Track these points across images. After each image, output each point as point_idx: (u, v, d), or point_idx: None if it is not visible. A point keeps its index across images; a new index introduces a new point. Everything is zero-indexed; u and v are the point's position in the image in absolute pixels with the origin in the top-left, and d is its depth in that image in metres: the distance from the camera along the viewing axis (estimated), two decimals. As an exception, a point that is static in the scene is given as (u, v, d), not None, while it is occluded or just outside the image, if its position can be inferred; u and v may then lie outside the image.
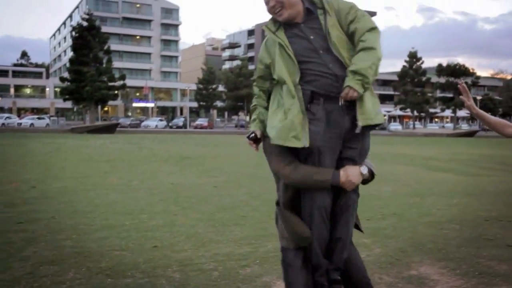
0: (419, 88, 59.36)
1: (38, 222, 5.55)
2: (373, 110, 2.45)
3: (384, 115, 75.81)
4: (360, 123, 2.39)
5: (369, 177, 2.58)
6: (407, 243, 4.97)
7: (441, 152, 20.50)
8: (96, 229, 5.27)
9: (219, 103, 69.45)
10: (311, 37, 2.44)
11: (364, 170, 2.48)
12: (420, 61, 59.18)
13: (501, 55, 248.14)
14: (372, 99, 2.48)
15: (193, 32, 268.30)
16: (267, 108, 2.63)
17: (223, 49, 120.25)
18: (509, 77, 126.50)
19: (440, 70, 58.54)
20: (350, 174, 2.42)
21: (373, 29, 2.42)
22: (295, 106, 2.40)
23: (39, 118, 49.05)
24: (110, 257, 4.26)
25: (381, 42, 2.46)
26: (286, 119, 2.41)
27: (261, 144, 2.69)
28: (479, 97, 61.36)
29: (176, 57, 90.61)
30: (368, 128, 2.48)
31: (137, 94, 77.04)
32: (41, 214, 5.98)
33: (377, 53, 2.39)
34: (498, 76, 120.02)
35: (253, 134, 2.63)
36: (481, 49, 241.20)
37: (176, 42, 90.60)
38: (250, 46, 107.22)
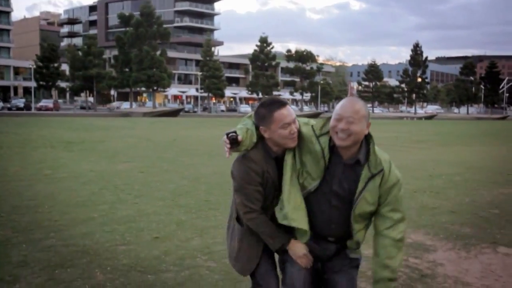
0: (269, 72, 62.43)
1: (-16, 222, 4.76)
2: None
3: (233, 98, 78.48)
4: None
5: None
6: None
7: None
8: (68, 225, 4.74)
9: (61, 83, 64.03)
10: (346, 186, 2.16)
11: None
12: (271, 46, 62.12)
13: (326, 43, 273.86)
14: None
15: (17, 2, 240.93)
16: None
17: (61, 24, 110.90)
18: (337, 64, 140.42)
19: (289, 55, 62.50)
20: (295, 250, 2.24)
21: (404, 220, 2.23)
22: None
23: None
24: (123, 253, 3.93)
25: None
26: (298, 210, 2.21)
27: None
28: (322, 82, 66.99)
29: (8, 30, 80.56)
30: None
31: (-41, 71, 67.10)
32: (-24, 213, 5.11)
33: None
34: (329, 63, 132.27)
35: (234, 135, 2.12)
36: (310, 36, 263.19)
37: (8, 13, 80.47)
38: (92, 23, 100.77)
